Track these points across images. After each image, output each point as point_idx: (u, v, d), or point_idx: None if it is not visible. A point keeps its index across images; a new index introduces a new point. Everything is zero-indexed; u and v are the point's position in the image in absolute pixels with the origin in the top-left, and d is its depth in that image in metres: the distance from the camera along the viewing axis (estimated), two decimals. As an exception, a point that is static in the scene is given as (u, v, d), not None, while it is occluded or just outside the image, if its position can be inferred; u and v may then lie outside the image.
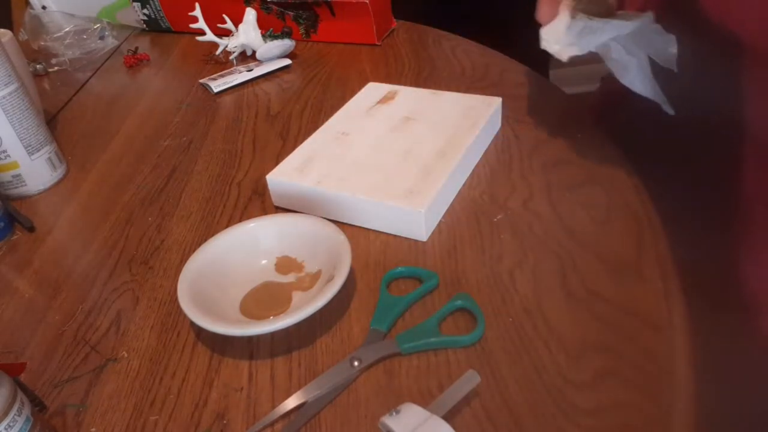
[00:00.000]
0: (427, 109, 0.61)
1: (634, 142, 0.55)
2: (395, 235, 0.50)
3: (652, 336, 0.38)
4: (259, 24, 0.85)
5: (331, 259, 0.44)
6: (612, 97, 0.69)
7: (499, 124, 0.61)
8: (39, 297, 0.50)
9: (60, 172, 0.67)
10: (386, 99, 0.64)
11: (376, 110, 0.62)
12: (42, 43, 1.00)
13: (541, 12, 0.52)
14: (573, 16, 0.51)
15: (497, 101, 0.59)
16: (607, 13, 0.51)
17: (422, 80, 0.75)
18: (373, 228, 0.51)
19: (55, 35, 1.00)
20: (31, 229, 0.59)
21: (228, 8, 0.88)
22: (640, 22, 0.49)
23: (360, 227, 0.51)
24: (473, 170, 0.56)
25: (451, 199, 0.53)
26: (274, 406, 0.37)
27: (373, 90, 0.66)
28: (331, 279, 0.42)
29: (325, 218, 0.47)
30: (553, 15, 0.51)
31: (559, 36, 0.51)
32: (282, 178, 0.53)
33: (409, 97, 0.64)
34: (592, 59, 0.51)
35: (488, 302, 0.42)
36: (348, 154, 0.55)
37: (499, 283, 0.44)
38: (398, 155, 0.54)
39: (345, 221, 0.52)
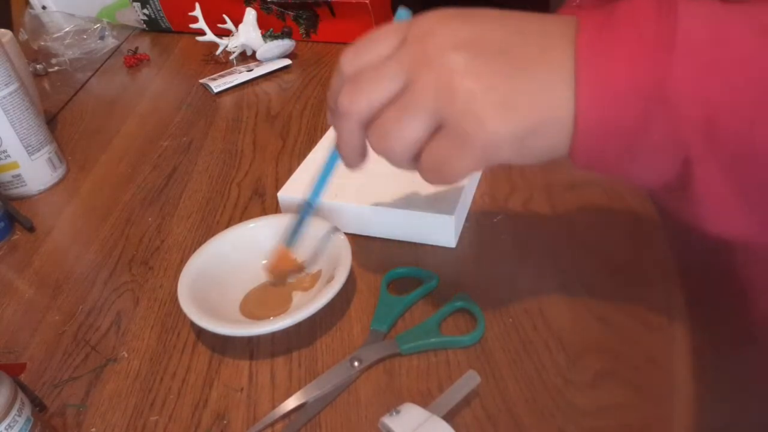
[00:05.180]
0: None
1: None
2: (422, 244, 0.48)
3: (652, 337, 0.38)
4: (259, 24, 0.85)
5: (331, 259, 0.44)
6: None
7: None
8: (39, 297, 0.50)
9: (60, 172, 0.67)
10: None
11: None
12: (42, 43, 0.99)
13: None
14: None
15: None
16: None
17: (422, 80, 0.75)
18: (396, 238, 0.49)
19: (55, 35, 1.00)
20: (31, 229, 0.59)
21: (228, 8, 0.88)
22: None
23: (383, 239, 0.49)
24: (473, 171, 0.56)
25: (470, 202, 0.52)
26: (274, 407, 0.37)
27: None
28: (331, 279, 0.42)
29: (346, 232, 0.46)
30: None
31: None
32: (295, 194, 0.51)
33: None
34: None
35: (488, 302, 0.42)
36: None
37: (499, 283, 0.44)
38: None
39: (365, 233, 0.50)
